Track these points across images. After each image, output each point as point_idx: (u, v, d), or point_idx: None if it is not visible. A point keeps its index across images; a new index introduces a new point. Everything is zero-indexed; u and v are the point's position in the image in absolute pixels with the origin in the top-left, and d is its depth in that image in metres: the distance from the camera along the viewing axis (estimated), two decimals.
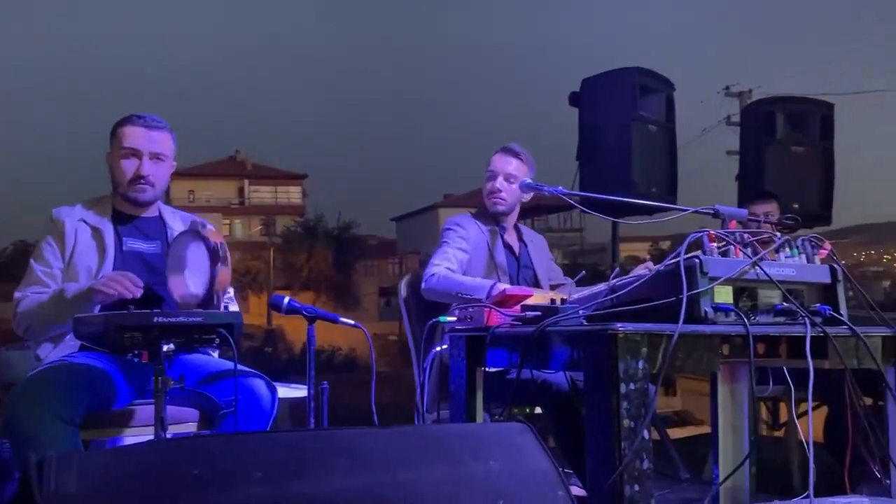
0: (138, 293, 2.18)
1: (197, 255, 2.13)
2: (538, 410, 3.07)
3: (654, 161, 4.40)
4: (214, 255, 2.08)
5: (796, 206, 4.64)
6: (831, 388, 2.23)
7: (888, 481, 2.38)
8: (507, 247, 3.16)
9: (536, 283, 3.15)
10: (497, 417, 2.04)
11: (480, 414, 2.15)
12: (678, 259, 1.91)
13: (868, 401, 2.78)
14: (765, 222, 2.93)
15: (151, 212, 2.58)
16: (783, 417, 4.02)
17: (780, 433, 4.04)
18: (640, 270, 2.55)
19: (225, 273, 2.10)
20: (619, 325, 1.72)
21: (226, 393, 2.26)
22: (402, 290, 3.16)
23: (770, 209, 4.03)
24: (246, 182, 48.55)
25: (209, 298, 2.10)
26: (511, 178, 3.09)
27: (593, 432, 1.73)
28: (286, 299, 2.25)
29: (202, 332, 1.93)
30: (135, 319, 1.91)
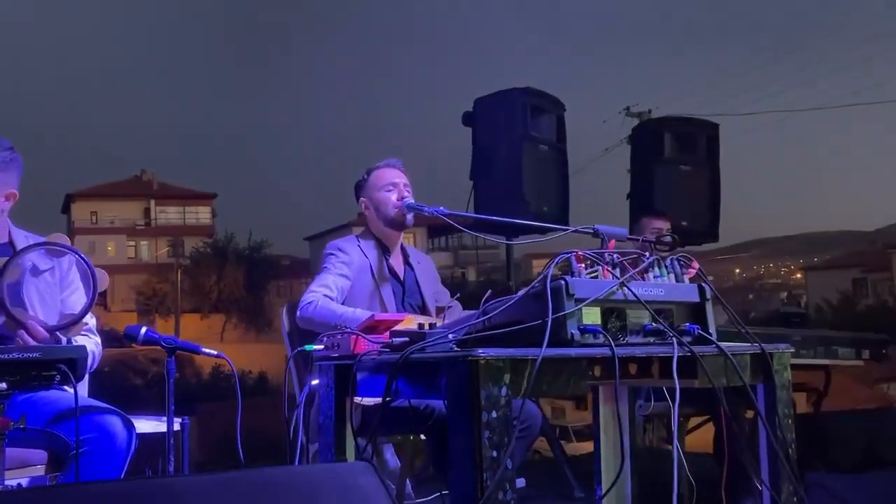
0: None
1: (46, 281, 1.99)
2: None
3: (546, 181, 4.41)
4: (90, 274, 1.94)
5: (685, 223, 4.74)
6: (716, 403, 2.24)
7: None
8: (392, 272, 2.98)
9: (424, 309, 2.99)
10: (364, 449, 1.95)
11: (352, 446, 2.07)
12: (545, 281, 1.88)
13: (751, 414, 2.83)
14: (644, 241, 2.97)
15: (0, 237, 2.39)
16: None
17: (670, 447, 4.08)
18: None
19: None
20: (480, 350, 1.67)
21: (78, 431, 2.10)
22: (284, 319, 2.96)
23: (663, 225, 4.10)
24: (152, 202, 47.13)
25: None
26: (409, 189, 2.96)
27: (456, 463, 1.67)
28: (143, 329, 2.11)
29: (41, 368, 1.78)
30: None
